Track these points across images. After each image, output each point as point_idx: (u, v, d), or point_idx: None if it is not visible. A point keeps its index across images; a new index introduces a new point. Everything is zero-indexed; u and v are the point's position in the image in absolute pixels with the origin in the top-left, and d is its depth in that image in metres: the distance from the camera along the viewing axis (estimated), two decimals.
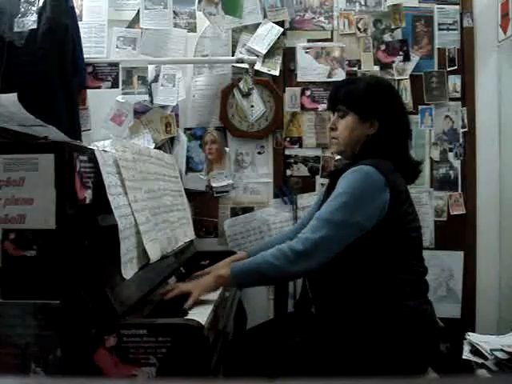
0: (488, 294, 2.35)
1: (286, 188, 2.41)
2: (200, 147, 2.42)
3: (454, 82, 2.41)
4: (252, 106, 2.38)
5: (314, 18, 2.44)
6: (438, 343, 1.53)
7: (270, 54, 2.39)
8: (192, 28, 2.40)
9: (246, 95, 2.37)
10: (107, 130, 2.34)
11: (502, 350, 1.44)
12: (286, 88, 2.43)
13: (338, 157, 2.13)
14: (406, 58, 2.40)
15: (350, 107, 1.54)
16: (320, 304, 1.57)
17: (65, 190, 1.11)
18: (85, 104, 2.34)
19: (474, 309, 2.36)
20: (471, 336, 1.58)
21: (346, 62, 2.42)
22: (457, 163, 2.42)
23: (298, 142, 2.43)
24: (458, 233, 2.40)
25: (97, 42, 2.37)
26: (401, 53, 2.40)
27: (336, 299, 1.49)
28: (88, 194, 1.19)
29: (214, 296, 1.48)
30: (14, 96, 1.15)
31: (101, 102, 2.34)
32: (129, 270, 1.26)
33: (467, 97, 2.40)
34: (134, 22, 2.39)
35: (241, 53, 2.39)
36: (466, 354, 1.52)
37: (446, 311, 2.29)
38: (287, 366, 1.42)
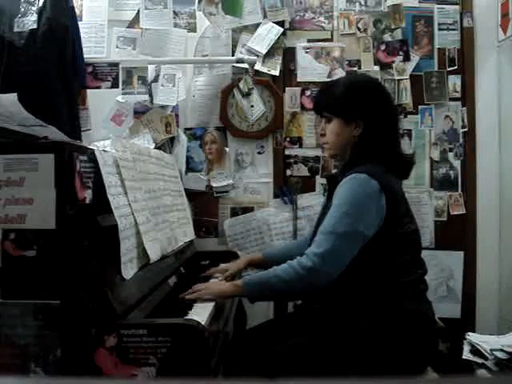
0: (488, 294, 2.35)
1: (286, 188, 2.41)
2: (200, 147, 2.42)
3: (454, 81, 2.40)
4: (252, 106, 2.38)
5: (314, 17, 2.44)
6: (436, 343, 1.54)
7: (270, 54, 2.39)
8: (192, 28, 2.40)
9: (246, 95, 2.37)
10: (107, 130, 2.34)
11: (502, 350, 1.44)
12: (286, 88, 2.43)
13: None
14: (406, 58, 2.40)
15: (332, 112, 1.55)
16: (320, 305, 1.57)
17: (65, 190, 1.11)
18: (85, 104, 2.34)
19: (474, 309, 2.36)
20: (471, 336, 1.58)
21: (346, 62, 2.41)
22: (457, 163, 2.42)
23: (297, 142, 2.43)
24: (458, 233, 2.40)
25: (97, 42, 2.37)
26: (401, 53, 2.40)
27: (335, 301, 1.49)
28: (88, 194, 1.19)
29: None
30: (14, 96, 1.15)
31: (101, 102, 2.34)
32: (129, 270, 1.26)
33: (467, 97, 2.40)
34: (134, 22, 2.39)
35: (241, 53, 2.39)
36: (466, 354, 1.52)
37: (446, 311, 2.29)
38: (287, 365, 1.42)
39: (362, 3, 2.43)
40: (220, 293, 1.48)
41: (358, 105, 1.52)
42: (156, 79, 2.36)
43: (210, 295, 1.45)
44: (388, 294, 1.43)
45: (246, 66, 2.32)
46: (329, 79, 2.37)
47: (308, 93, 2.41)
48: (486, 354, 1.47)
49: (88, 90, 2.32)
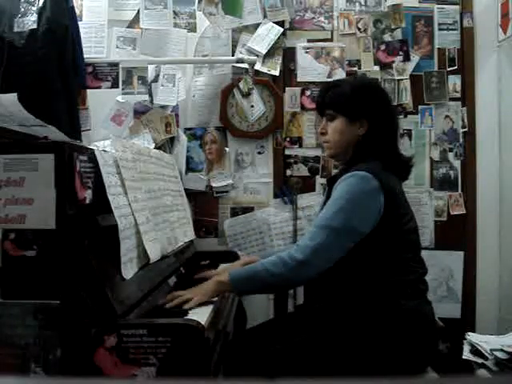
0: (488, 293, 2.35)
1: (286, 188, 2.41)
2: (200, 147, 2.42)
3: (454, 81, 2.41)
4: (252, 106, 2.38)
5: (314, 17, 2.44)
6: (436, 343, 1.54)
7: (270, 54, 2.39)
8: (192, 28, 2.40)
9: (246, 95, 2.37)
10: (107, 130, 2.34)
11: (502, 350, 1.44)
12: (286, 88, 2.43)
13: None
14: (406, 58, 2.40)
15: (338, 110, 1.55)
16: (319, 304, 1.57)
17: (65, 190, 1.11)
18: (85, 104, 2.34)
19: (474, 309, 2.36)
20: (471, 336, 1.58)
21: (346, 62, 2.42)
22: (457, 163, 2.42)
23: (297, 142, 2.43)
24: (458, 233, 2.40)
25: (97, 42, 2.37)
26: (401, 53, 2.40)
27: (335, 300, 1.49)
28: (88, 194, 1.19)
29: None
30: (14, 96, 1.15)
31: (101, 102, 2.34)
32: (129, 270, 1.26)
33: (467, 97, 2.40)
34: (134, 22, 2.39)
35: (241, 53, 2.39)
36: (466, 354, 1.52)
37: (446, 311, 2.29)
38: (287, 365, 1.42)
39: (362, 3, 2.43)
40: (206, 295, 1.42)
41: (364, 104, 1.53)
42: (156, 79, 2.36)
43: (194, 301, 1.39)
44: (388, 293, 1.44)
45: (246, 65, 2.33)
46: (329, 79, 2.37)
47: (308, 93, 2.41)
48: (486, 354, 1.46)
49: (88, 90, 2.32)
